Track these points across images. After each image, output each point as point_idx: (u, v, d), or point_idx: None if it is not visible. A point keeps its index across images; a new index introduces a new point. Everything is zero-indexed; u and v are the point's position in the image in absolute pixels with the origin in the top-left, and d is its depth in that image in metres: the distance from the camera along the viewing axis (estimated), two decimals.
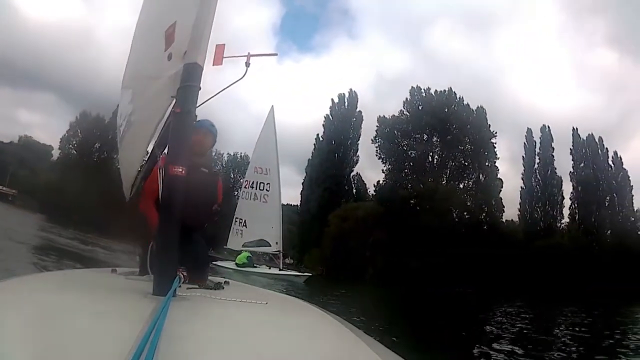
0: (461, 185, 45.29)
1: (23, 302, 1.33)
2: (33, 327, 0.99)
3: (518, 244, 44.21)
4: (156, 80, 1.90)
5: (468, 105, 45.81)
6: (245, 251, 25.58)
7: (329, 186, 42.63)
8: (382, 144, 45.27)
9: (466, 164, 45.08)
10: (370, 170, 59.98)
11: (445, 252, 38.91)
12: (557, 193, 48.07)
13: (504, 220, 46.31)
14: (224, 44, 1.91)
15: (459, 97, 46.01)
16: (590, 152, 49.07)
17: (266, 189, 26.24)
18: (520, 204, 48.24)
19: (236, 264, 24.30)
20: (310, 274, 25.31)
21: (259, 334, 1.22)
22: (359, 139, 45.03)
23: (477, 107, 45.98)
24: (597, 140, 49.71)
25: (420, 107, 45.59)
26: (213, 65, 1.88)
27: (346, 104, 48.36)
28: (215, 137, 2.81)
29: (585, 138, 49.53)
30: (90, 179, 42.85)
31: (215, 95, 1.94)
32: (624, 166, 49.29)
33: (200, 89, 1.67)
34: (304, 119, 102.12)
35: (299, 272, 25.46)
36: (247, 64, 1.94)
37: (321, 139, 47.24)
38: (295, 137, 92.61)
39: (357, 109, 48.25)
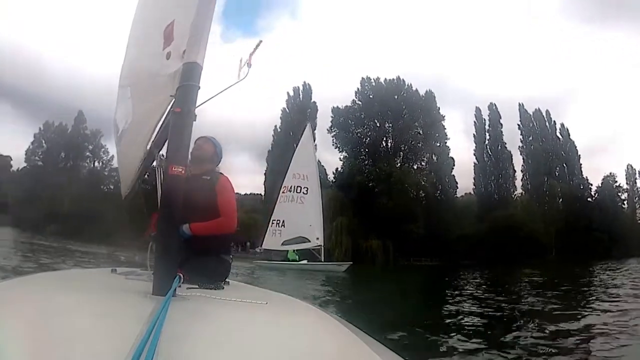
0: (415, 167, 47.60)
1: (23, 302, 1.35)
2: (33, 327, 0.99)
3: (474, 217, 46.58)
4: (155, 79, 1.90)
5: (417, 90, 48.25)
6: (289, 249, 27.14)
7: None
8: (337, 133, 47.76)
9: (419, 146, 47.40)
10: (329, 157, 61.93)
11: (404, 230, 41.08)
12: (508, 167, 50.66)
13: (458, 195, 49.08)
14: (242, 58, 1.95)
15: (408, 84, 48.45)
16: (538, 126, 51.73)
17: (303, 192, 28.14)
18: (474, 178, 51.11)
19: (287, 259, 26.26)
20: (351, 262, 26.44)
21: (259, 334, 1.23)
22: (315, 129, 46.84)
23: (426, 92, 48.43)
24: (544, 114, 52.42)
25: (371, 96, 47.91)
26: (239, 78, 1.93)
27: (301, 96, 50.90)
28: (216, 147, 2.82)
29: (532, 113, 52.15)
30: (60, 188, 43.81)
31: (215, 95, 1.95)
32: (571, 137, 52.06)
33: (199, 88, 1.66)
34: (255, 104, 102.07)
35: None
36: (249, 65, 1.95)
37: (279, 129, 50.16)
38: (249, 124, 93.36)
39: (312, 100, 50.97)
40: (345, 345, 1.32)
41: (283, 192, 29.06)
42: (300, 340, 1.29)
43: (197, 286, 1.88)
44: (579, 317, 6.14)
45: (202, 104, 1.75)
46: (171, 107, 1.70)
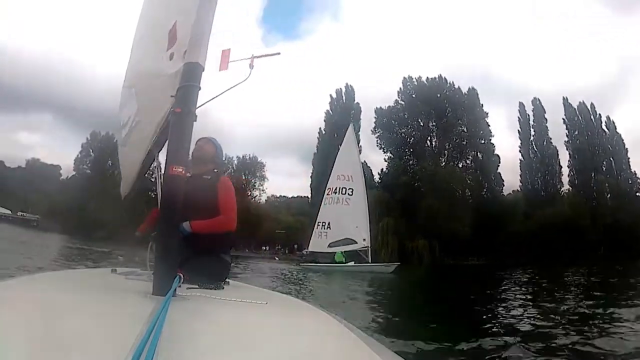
0: (460, 165, 47.59)
1: (23, 302, 1.34)
2: (32, 327, 1.00)
3: (521, 215, 45.95)
4: (157, 79, 1.92)
5: (459, 88, 48.19)
6: (335, 251, 27.20)
7: None
8: (381, 134, 48.05)
9: (463, 144, 47.38)
10: (374, 158, 62.27)
11: (451, 229, 40.99)
12: (554, 162, 49.57)
13: (504, 193, 48.53)
14: (230, 49, 1.94)
15: (450, 82, 48.47)
16: (583, 120, 50.34)
17: (348, 193, 28.25)
18: (520, 176, 50.25)
19: (334, 260, 26.33)
20: (398, 263, 26.23)
21: (259, 334, 1.24)
22: (359, 130, 46.78)
23: (469, 89, 48.32)
24: (588, 107, 51.11)
25: (413, 96, 48.00)
26: (219, 70, 1.92)
27: (344, 98, 50.98)
28: (217, 148, 2.86)
29: (577, 106, 50.94)
30: (109, 195, 45.14)
31: (217, 96, 1.95)
32: (617, 130, 50.51)
33: (200, 89, 1.67)
34: (300, 107, 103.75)
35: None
36: (251, 66, 1.93)
37: (324, 132, 50.43)
38: (295, 128, 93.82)
39: (355, 101, 50.97)
40: (345, 345, 1.32)
41: (328, 194, 29.30)
42: (300, 340, 1.29)
43: (197, 286, 1.90)
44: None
45: (202, 104, 1.76)
46: (172, 108, 1.68)
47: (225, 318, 1.45)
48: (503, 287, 13.92)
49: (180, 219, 1.74)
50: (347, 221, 27.46)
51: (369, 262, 26.08)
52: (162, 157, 2.06)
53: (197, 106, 1.66)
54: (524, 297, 10.79)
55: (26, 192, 57.02)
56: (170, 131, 1.64)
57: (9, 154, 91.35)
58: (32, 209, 55.11)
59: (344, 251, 26.86)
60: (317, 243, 28.31)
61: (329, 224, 28.12)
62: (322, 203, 29.45)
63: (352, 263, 25.77)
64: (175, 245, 1.58)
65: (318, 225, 28.63)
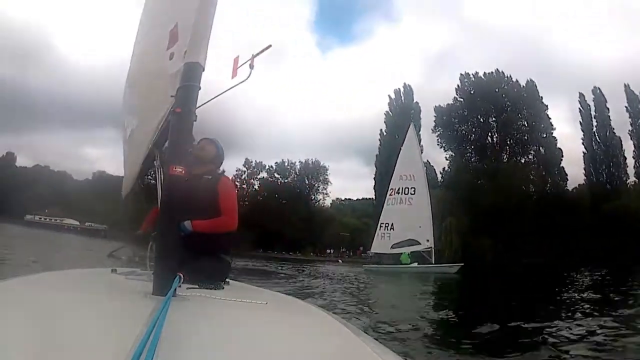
0: (522, 161, 46.92)
1: (23, 301, 1.35)
2: (32, 327, 1.00)
3: (586, 210, 44.98)
4: (158, 79, 1.93)
5: (517, 81, 47.42)
6: (400, 252, 26.99)
7: None
8: (442, 132, 48.10)
9: (525, 139, 46.62)
10: (437, 157, 62.29)
11: (515, 227, 40.20)
12: (618, 153, 47.23)
13: (569, 188, 47.07)
14: (238, 56, 1.96)
15: (507, 76, 47.80)
16: None
17: (411, 193, 28.32)
18: (584, 169, 48.19)
19: (400, 262, 26.06)
20: (462, 264, 25.40)
21: (259, 334, 1.24)
22: (420, 130, 46.21)
23: (527, 82, 47.37)
24: None
25: (472, 92, 47.78)
26: (232, 78, 1.95)
27: (402, 98, 51.32)
28: (218, 149, 2.85)
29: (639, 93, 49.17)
30: None
31: (217, 96, 1.94)
32: None
33: (200, 88, 1.66)
34: (358, 109, 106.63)
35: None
36: (251, 66, 1.92)
37: (385, 133, 50.98)
38: (356, 129, 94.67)
39: (414, 101, 51.23)
40: (345, 345, 1.31)
41: (390, 195, 29.41)
42: (300, 340, 1.29)
43: (197, 286, 1.89)
44: None
45: (202, 104, 1.76)
46: (172, 108, 1.69)
47: (225, 318, 1.47)
48: (575, 290, 13.03)
49: (180, 219, 1.78)
50: (410, 221, 27.47)
51: (432, 263, 26.10)
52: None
53: (197, 106, 1.68)
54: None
55: (93, 204, 58.75)
56: (170, 131, 1.66)
57: (76, 167, 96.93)
58: (99, 220, 57.22)
59: (410, 252, 26.87)
60: (380, 244, 28.48)
61: (392, 224, 28.23)
62: (385, 203, 29.64)
63: (415, 264, 25.76)
64: (175, 245, 1.60)
65: (381, 226, 28.80)
